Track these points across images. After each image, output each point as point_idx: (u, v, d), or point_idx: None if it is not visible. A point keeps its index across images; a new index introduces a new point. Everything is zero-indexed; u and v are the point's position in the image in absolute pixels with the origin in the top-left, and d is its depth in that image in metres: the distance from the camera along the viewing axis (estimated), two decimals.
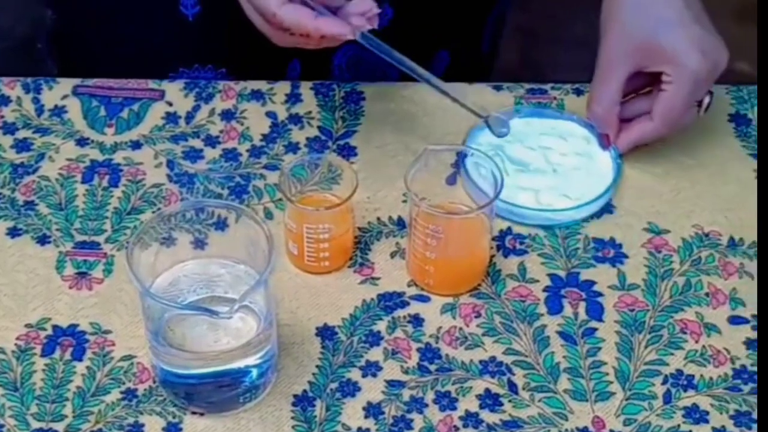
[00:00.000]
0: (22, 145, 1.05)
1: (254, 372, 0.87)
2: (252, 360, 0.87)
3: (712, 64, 0.99)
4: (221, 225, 0.88)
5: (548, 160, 1.03)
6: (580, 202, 1.00)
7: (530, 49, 2.21)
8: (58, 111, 1.08)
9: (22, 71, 1.13)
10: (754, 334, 0.93)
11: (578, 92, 1.10)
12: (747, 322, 0.94)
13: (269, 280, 0.84)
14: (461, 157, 0.98)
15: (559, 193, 1.01)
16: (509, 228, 1.00)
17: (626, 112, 1.03)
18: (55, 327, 0.93)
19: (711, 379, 0.91)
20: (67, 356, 0.91)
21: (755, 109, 1.09)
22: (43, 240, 0.98)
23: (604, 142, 1.04)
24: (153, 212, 0.99)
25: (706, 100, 1.02)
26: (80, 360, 0.91)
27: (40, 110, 1.08)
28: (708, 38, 0.99)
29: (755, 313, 0.95)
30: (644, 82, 1.02)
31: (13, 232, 0.99)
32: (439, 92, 0.98)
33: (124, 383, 0.90)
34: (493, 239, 0.99)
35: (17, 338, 0.92)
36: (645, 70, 1.01)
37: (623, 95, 1.02)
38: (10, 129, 1.06)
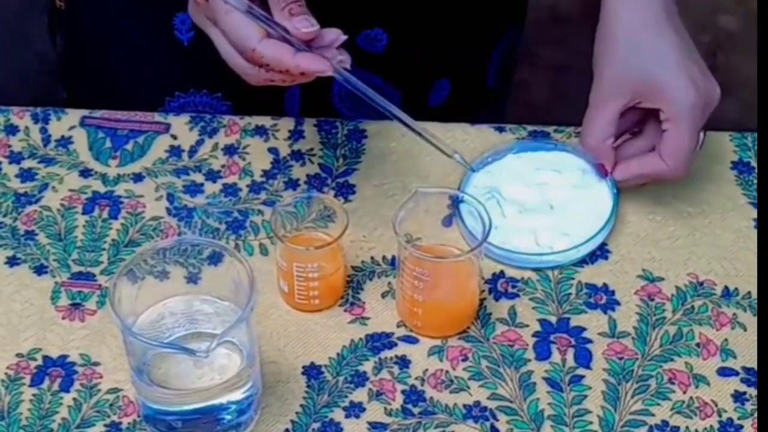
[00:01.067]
0: (26, 175, 1.06)
1: (236, 408, 0.88)
2: (234, 396, 0.88)
3: (707, 99, 0.99)
4: (215, 260, 0.89)
5: (545, 197, 1.02)
6: (579, 241, 0.99)
7: (561, 84, 2.21)
8: (65, 141, 1.09)
9: (28, 98, 1.16)
10: (742, 387, 0.92)
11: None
12: (736, 374, 0.93)
13: (251, 318, 0.85)
14: (455, 200, 0.98)
15: (558, 231, 1.00)
16: (502, 271, 1.00)
17: (623, 153, 1.03)
18: (45, 357, 0.94)
19: (696, 431, 0.90)
20: (55, 387, 0.92)
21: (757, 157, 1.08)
22: (40, 270, 0.99)
23: (600, 171, 1.03)
24: (150, 244, 1.00)
25: (701, 137, 1.01)
26: (67, 391, 0.92)
27: (47, 140, 1.09)
28: (701, 74, 1.00)
29: (745, 365, 0.94)
30: (636, 119, 1.02)
31: (12, 261, 1.00)
32: (413, 132, 0.96)
33: (109, 416, 0.90)
34: (485, 282, 0.99)
35: (7, 367, 0.93)
36: (639, 105, 1.00)
37: (616, 133, 1.02)
38: (16, 158, 1.08)
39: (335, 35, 0.90)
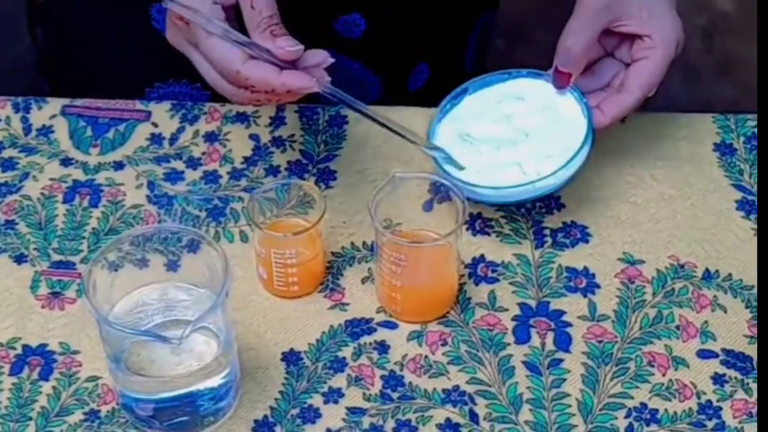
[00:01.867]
0: (7, 164, 1.06)
1: (213, 395, 0.88)
2: (211, 383, 0.88)
3: (681, 40, 1.00)
4: (194, 248, 0.88)
5: (516, 127, 1.00)
6: (566, 159, 0.97)
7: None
8: (46, 131, 1.09)
9: (20, 90, 1.15)
10: (721, 369, 0.92)
11: None
12: (716, 356, 0.93)
13: (227, 303, 0.85)
14: (435, 184, 0.97)
15: (542, 156, 0.98)
16: (482, 255, 1.00)
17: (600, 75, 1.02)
18: (24, 346, 0.94)
19: (675, 413, 0.90)
20: (35, 376, 0.92)
21: (741, 138, 1.08)
22: (20, 259, 0.99)
23: (562, 81, 1.00)
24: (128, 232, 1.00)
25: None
26: (47, 380, 0.92)
27: (27, 130, 1.09)
28: (679, 17, 1.00)
29: (725, 347, 0.94)
30: (595, 56, 1.02)
31: None
32: (399, 136, 0.97)
33: (87, 404, 0.91)
34: (465, 266, 0.99)
35: None
36: (622, 28, 0.99)
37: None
38: None
39: (322, 57, 0.90)
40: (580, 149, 0.97)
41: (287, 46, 0.88)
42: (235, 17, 0.91)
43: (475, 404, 0.90)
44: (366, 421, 0.90)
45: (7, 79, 2.09)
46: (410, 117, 1.08)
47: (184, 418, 0.88)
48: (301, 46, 0.89)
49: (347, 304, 0.97)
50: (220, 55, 0.89)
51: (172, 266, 0.89)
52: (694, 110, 1.11)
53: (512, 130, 1.00)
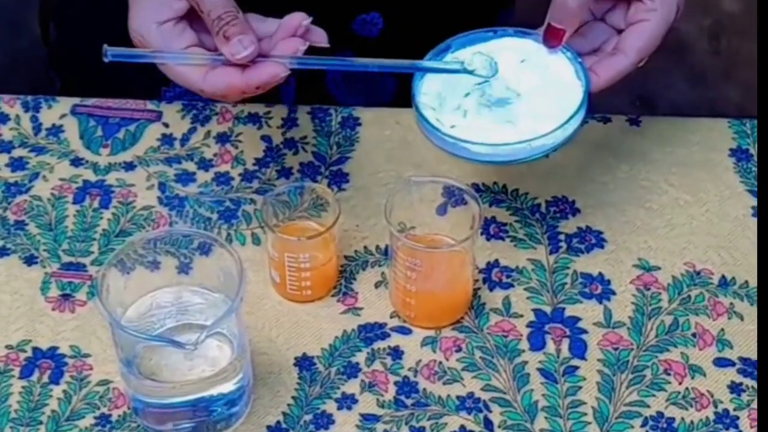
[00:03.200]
0: (17, 164, 1.05)
1: (226, 400, 0.87)
2: (225, 388, 0.87)
3: (681, 7, 0.96)
4: (206, 250, 0.88)
5: (506, 86, 0.95)
6: (563, 119, 0.92)
7: None
8: (56, 130, 1.08)
9: (24, 84, 1.15)
10: (738, 378, 0.91)
11: None
12: (733, 365, 0.92)
13: (241, 308, 0.84)
14: (449, 189, 0.96)
15: (537, 115, 0.93)
16: (496, 260, 0.99)
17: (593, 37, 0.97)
18: (35, 349, 0.93)
19: (692, 422, 0.89)
20: (45, 379, 0.91)
21: (757, 143, 1.07)
22: (30, 260, 0.98)
23: (554, 39, 0.94)
24: (140, 234, 0.99)
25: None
26: (57, 383, 0.91)
27: (37, 129, 1.08)
28: None
29: (742, 355, 0.93)
30: (600, 11, 0.97)
31: (2, 252, 0.99)
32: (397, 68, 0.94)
33: (98, 408, 0.90)
34: (480, 271, 0.98)
35: None
36: None
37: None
38: (6, 147, 1.07)
39: (298, 20, 0.88)
40: (578, 110, 0.92)
41: (237, 51, 0.86)
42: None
43: (490, 411, 0.90)
44: (380, 428, 0.89)
45: (10, 73, 2.09)
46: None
47: (196, 424, 0.87)
48: (252, 47, 0.86)
49: (360, 309, 0.96)
50: (181, 80, 0.89)
51: (184, 269, 0.89)
52: (700, 112, 1.11)
53: (502, 89, 0.95)
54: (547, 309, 0.96)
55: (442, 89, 0.94)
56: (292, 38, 0.88)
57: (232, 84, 0.87)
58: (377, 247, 1.00)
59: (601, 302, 0.96)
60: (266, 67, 0.87)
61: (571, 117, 0.91)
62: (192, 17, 0.90)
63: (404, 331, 0.95)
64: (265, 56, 0.88)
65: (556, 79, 0.94)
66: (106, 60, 0.87)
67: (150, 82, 1.11)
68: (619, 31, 0.96)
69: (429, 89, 0.95)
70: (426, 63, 0.94)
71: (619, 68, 0.94)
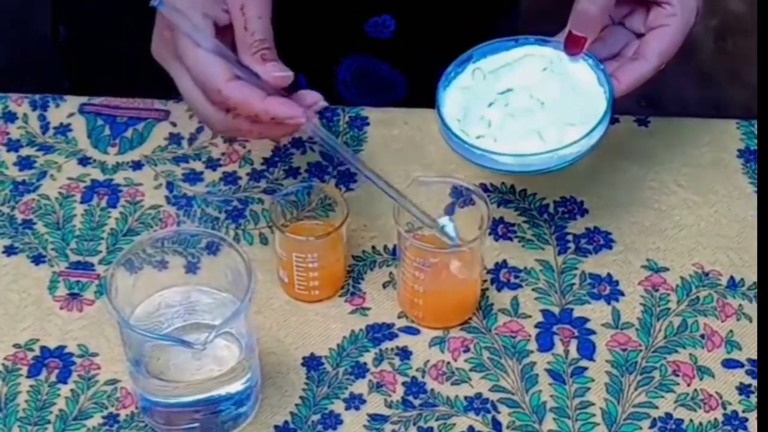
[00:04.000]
0: (25, 163, 1.05)
1: (234, 400, 0.87)
2: (233, 388, 0.87)
3: (701, 11, 0.95)
4: (214, 250, 0.87)
5: (531, 96, 0.95)
6: (588, 127, 0.92)
7: None
8: (63, 129, 1.08)
9: (31, 81, 1.15)
10: (747, 379, 0.91)
11: None
12: (741, 366, 0.92)
13: (249, 308, 0.84)
14: (456, 189, 0.96)
15: (562, 124, 0.93)
16: (504, 261, 0.99)
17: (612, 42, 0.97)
18: (42, 348, 0.93)
19: (701, 424, 0.89)
20: (53, 378, 0.91)
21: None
22: (38, 259, 0.98)
23: (576, 47, 0.94)
24: (148, 234, 0.99)
25: None
26: (65, 383, 0.91)
27: (45, 128, 1.08)
28: None
29: (750, 357, 0.93)
30: (619, 15, 0.97)
31: (9, 251, 0.99)
32: (384, 192, 0.92)
33: (106, 408, 0.90)
34: (488, 272, 0.98)
35: (5, 358, 0.92)
36: None
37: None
38: (14, 146, 1.07)
39: (314, 98, 0.87)
40: (603, 117, 0.92)
41: (276, 71, 0.85)
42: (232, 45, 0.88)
43: (498, 412, 0.90)
44: (388, 429, 0.89)
45: (18, 71, 2.09)
46: (432, 119, 1.07)
47: (205, 424, 0.87)
48: (291, 73, 0.85)
49: (368, 309, 0.96)
50: (203, 68, 0.86)
51: (192, 268, 0.88)
52: (706, 112, 1.10)
53: (526, 98, 0.95)
54: (556, 310, 0.96)
55: (467, 100, 0.95)
56: (314, 91, 0.88)
57: (249, 102, 0.84)
58: (385, 247, 1.00)
59: (609, 303, 0.96)
60: (288, 103, 0.85)
61: (597, 125, 0.92)
62: (222, 36, 0.88)
63: (412, 331, 0.94)
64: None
65: (579, 87, 0.94)
66: (152, 4, 0.85)
67: (160, 83, 1.11)
68: (638, 35, 0.96)
69: (453, 100, 0.95)
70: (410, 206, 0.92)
71: (641, 73, 0.94)
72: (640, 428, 0.89)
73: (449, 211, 0.99)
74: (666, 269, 0.98)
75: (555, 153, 0.91)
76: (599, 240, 1.00)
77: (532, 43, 0.97)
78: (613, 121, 1.08)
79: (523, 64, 0.96)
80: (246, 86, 0.85)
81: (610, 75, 0.94)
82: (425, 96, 1.06)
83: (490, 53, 0.97)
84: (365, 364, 0.92)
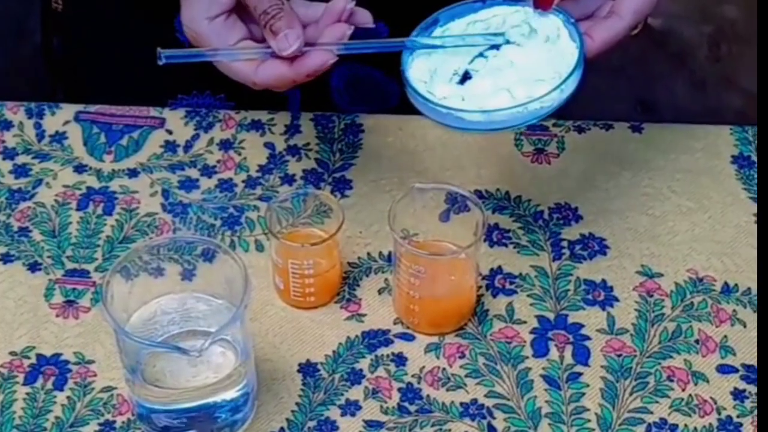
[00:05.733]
0: (20, 171, 1.06)
1: (230, 406, 0.87)
2: (229, 394, 0.87)
3: None
4: (209, 257, 0.88)
5: (500, 55, 0.93)
6: (557, 82, 0.89)
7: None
8: (59, 137, 1.08)
9: (26, 90, 1.15)
10: (742, 384, 0.92)
11: (580, 129, 1.09)
12: (736, 371, 0.92)
13: (245, 315, 0.84)
14: (452, 196, 0.96)
15: (531, 80, 0.91)
16: (500, 267, 0.99)
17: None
18: (39, 356, 0.93)
19: (695, 429, 0.89)
20: (49, 385, 0.91)
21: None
22: (34, 267, 0.99)
23: (544, 4, 0.92)
24: (144, 241, 1.00)
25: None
26: (61, 390, 0.91)
27: (41, 136, 1.08)
28: None
29: (745, 362, 0.93)
30: None
31: (5, 258, 0.99)
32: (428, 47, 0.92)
33: (102, 415, 0.90)
34: (483, 278, 0.98)
35: (1, 366, 0.92)
36: None
37: None
38: (10, 154, 1.07)
39: (342, 5, 0.89)
40: (572, 71, 0.90)
41: (284, 48, 0.88)
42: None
43: (494, 418, 0.90)
44: None
45: (13, 79, 2.09)
46: (427, 126, 1.08)
47: (200, 430, 0.87)
48: (299, 42, 0.88)
49: (364, 315, 0.96)
50: (234, 75, 0.91)
51: (188, 275, 0.89)
52: (701, 118, 1.11)
53: (497, 59, 0.93)
54: (551, 315, 0.96)
55: (433, 62, 0.93)
56: (337, 24, 0.90)
57: (282, 75, 0.89)
58: (380, 253, 1.00)
59: (604, 309, 0.96)
60: (314, 57, 0.88)
61: (566, 78, 0.89)
62: (241, 10, 0.91)
63: (408, 337, 0.95)
64: (312, 44, 0.89)
65: (549, 43, 0.92)
66: (160, 63, 0.89)
67: (154, 93, 1.11)
68: None
69: (419, 63, 0.93)
70: (472, 39, 0.92)
71: (615, 30, 0.92)
72: None
73: (444, 217, 0.99)
74: (660, 275, 0.98)
75: (524, 107, 0.88)
76: (594, 246, 1.00)
77: (500, 4, 0.95)
78: (607, 127, 1.09)
79: (492, 25, 0.94)
80: (272, 65, 0.89)
81: (584, 33, 0.92)
82: None
83: (457, 16, 0.95)
84: (361, 370, 0.92)
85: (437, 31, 0.94)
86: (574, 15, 0.93)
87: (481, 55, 0.93)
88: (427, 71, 0.92)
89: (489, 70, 0.92)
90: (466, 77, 0.92)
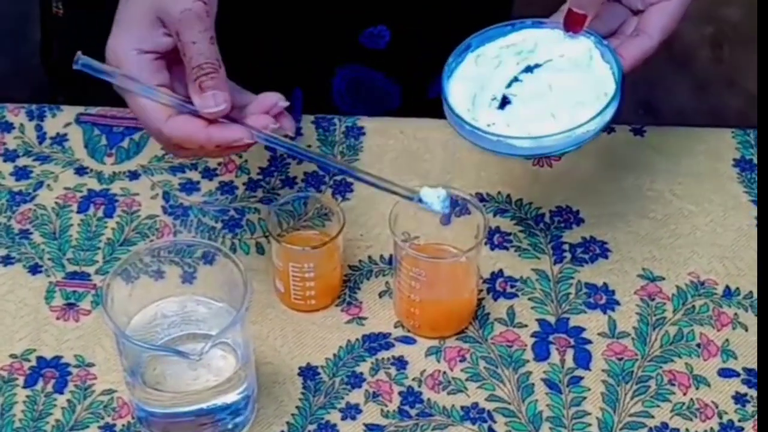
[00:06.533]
0: (21, 173, 1.05)
1: (230, 410, 0.87)
2: (229, 398, 0.87)
3: None
4: (209, 259, 0.88)
5: (536, 80, 0.93)
6: (600, 105, 0.90)
7: None
8: (60, 139, 1.08)
9: (27, 91, 1.14)
10: (743, 388, 0.91)
11: None
12: (737, 375, 0.92)
13: (246, 318, 0.84)
14: (453, 199, 0.96)
15: (573, 104, 0.91)
16: (501, 270, 0.99)
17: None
18: (39, 358, 0.93)
19: None
20: (49, 388, 0.91)
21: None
22: (34, 269, 0.98)
23: (576, 24, 0.92)
24: (145, 244, 0.99)
25: None
26: (61, 393, 0.91)
27: (42, 138, 1.08)
28: None
29: (746, 366, 0.93)
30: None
31: (6, 261, 0.99)
32: (361, 180, 0.90)
33: (103, 418, 0.90)
34: (484, 281, 0.98)
35: (1, 368, 0.92)
36: None
37: None
38: (11, 156, 1.07)
39: (274, 100, 0.85)
40: (615, 94, 0.90)
41: (209, 106, 0.83)
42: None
43: (495, 422, 0.90)
44: None
45: (13, 81, 2.09)
46: (428, 128, 1.08)
47: None
48: (225, 105, 0.83)
49: (365, 319, 0.96)
50: (142, 113, 0.85)
51: (188, 278, 0.89)
52: (703, 120, 1.11)
53: (534, 83, 0.93)
54: (552, 319, 0.96)
55: (473, 88, 0.93)
56: (264, 115, 0.86)
57: (192, 135, 0.83)
58: (381, 256, 1.00)
59: (605, 312, 0.96)
60: (231, 129, 0.84)
61: (610, 102, 0.90)
62: (172, 59, 0.86)
63: (408, 340, 0.95)
64: (235, 120, 0.85)
65: (584, 66, 0.93)
66: (75, 66, 0.85)
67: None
68: (635, 12, 0.95)
69: (459, 90, 0.93)
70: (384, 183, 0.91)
71: (644, 49, 0.93)
72: None
73: (445, 220, 0.99)
74: (662, 278, 0.98)
75: (571, 132, 0.89)
76: (595, 249, 1.00)
77: (529, 27, 0.95)
78: (609, 130, 1.09)
79: (525, 49, 0.95)
80: (186, 121, 0.84)
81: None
82: (420, 106, 1.07)
83: (487, 40, 0.95)
84: (361, 373, 0.92)
85: (470, 56, 0.95)
86: (598, 31, 0.93)
87: (516, 79, 0.93)
88: (468, 98, 0.93)
89: (528, 95, 0.92)
90: (505, 102, 0.92)
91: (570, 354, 0.94)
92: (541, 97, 0.92)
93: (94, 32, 1.13)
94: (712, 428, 0.89)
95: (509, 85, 0.93)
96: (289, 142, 0.87)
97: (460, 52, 0.95)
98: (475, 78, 0.94)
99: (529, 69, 0.94)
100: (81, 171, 1.06)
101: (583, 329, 0.95)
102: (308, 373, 0.92)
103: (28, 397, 0.91)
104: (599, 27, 0.94)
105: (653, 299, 0.97)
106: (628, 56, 0.92)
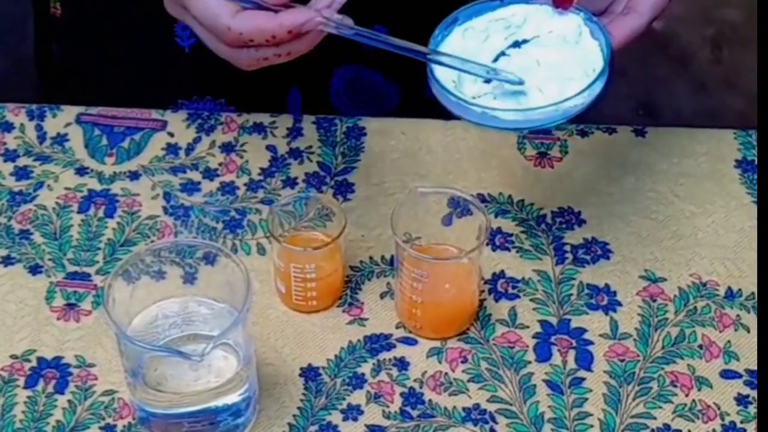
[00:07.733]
0: (21, 173, 1.05)
1: (231, 411, 0.87)
2: (230, 399, 0.87)
3: None
4: (211, 260, 0.87)
5: (524, 56, 0.92)
6: (588, 80, 0.89)
7: None
8: (60, 139, 1.08)
9: (27, 91, 1.14)
10: (745, 390, 0.91)
11: (583, 133, 1.08)
12: (740, 376, 0.92)
13: (247, 319, 0.84)
14: (454, 199, 0.96)
15: (563, 79, 0.90)
16: (502, 271, 0.99)
17: None
18: (39, 359, 0.93)
19: None
20: (50, 389, 0.91)
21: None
22: (35, 270, 0.98)
23: (563, 2, 0.92)
24: (146, 244, 0.99)
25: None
26: (62, 393, 0.91)
27: (42, 138, 1.08)
28: None
29: (748, 367, 0.92)
30: None
31: (6, 261, 0.99)
32: (438, 64, 0.89)
33: (103, 418, 0.89)
34: (485, 282, 0.98)
35: (1, 369, 0.92)
36: None
37: None
38: (11, 156, 1.07)
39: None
40: (603, 69, 0.89)
41: None
42: None
43: (496, 423, 0.89)
44: None
45: (14, 80, 2.09)
46: (430, 129, 1.08)
47: None
48: None
49: (366, 319, 0.96)
50: (207, 13, 0.83)
51: (189, 279, 0.88)
52: (703, 121, 1.10)
53: (522, 59, 0.92)
54: (553, 320, 0.96)
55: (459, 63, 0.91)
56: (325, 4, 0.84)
57: (261, 27, 0.82)
58: (383, 257, 0.99)
59: (607, 313, 0.96)
60: (301, 11, 0.83)
61: (598, 77, 0.89)
62: None
63: (410, 341, 0.94)
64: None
65: (572, 42, 0.92)
66: None
67: (155, 99, 1.11)
68: None
69: (441, 74, 0.91)
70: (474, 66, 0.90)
71: (634, 27, 0.92)
72: None
73: (447, 221, 0.99)
74: (664, 279, 0.98)
75: (558, 106, 0.88)
76: (597, 250, 1.00)
77: (519, 2, 0.94)
78: (611, 131, 1.09)
79: (513, 23, 0.93)
80: (253, 14, 0.83)
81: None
82: (418, 106, 1.06)
83: (475, 14, 0.94)
84: (363, 374, 0.92)
85: (458, 29, 0.94)
86: (589, 10, 0.92)
87: (503, 53, 0.92)
88: (454, 71, 0.91)
89: (516, 70, 0.91)
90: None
91: (572, 355, 0.93)
92: (528, 71, 0.91)
93: (92, 33, 1.14)
94: (714, 430, 0.89)
95: (496, 60, 0.92)
96: (356, 27, 0.85)
97: (447, 25, 0.93)
98: (461, 51, 0.92)
99: (516, 44, 0.93)
100: (81, 171, 1.05)
101: (584, 330, 0.95)
102: (309, 374, 0.92)
103: (28, 397, 0.91)
104: (589, 5, 0.93)
105: (655, 300, 0.97)
106: (617, 34, 0.91)
